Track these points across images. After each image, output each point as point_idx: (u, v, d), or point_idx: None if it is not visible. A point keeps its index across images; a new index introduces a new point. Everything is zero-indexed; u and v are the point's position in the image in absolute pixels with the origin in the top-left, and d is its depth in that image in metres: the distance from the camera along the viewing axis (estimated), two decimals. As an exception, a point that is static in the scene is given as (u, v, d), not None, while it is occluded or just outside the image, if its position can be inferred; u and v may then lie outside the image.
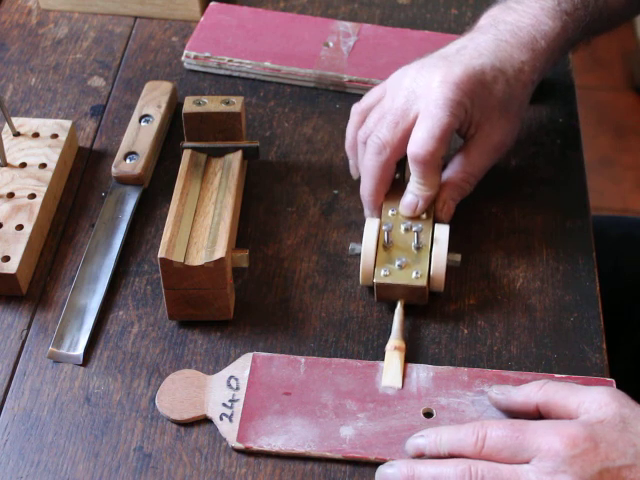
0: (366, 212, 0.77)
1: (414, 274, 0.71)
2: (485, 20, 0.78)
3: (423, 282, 0.71)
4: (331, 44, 0.92)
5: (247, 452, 0.65)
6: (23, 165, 0.80)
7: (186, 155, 0.78)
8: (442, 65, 0.74)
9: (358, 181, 0.82)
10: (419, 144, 0.72)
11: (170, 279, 0.69)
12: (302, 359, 0.70)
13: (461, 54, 0.74)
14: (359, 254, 0.73)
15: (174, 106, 0.88)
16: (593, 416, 0.59)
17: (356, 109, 0.79)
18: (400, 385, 0.68)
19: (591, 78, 2.12)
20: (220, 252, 0.69)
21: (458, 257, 0.73)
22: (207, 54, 0.91)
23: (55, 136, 0.82)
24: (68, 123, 0.83)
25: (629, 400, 0.61)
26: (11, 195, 0.78)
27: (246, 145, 0.79)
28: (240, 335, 0.72)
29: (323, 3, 0.99)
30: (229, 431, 0.66)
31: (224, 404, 0.67)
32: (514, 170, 0.83)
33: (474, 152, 0.76)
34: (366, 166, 0.75)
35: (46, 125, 0.83)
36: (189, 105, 0.78)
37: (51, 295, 0.75)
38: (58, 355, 0.71)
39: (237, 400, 0.67)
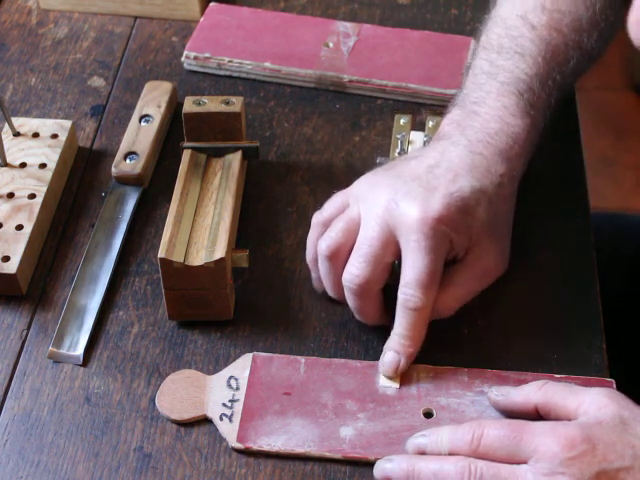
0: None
1: None
2: (450, 127, 0.72)
3: None
4: (331, 44, 0.92)
5: (247, 452, 0.65)
6: (23, 165, 0.80)
7: (186, 155, 0.78)
8: (418, 195, 0.67)
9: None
10: (409, 292, 0.66)
11: (170, 279, 0.69)
12: (302, 359, 0.70)
13: (435, 176, 0.68)
14: None
15: (174, 106, 0.88)
16: (592, 417, 0.59)
17: (317, 220, 0.72)
18: (398, 385, 0.68)
19: (591, 78, 2.11)
20: (220, 252, 0.69)
21: None
22: (207, 54, 0.91)
23: (55, 136, 0.82)
24: (68, 123, 0.83)
25: (629, 402, 0.61)
26: (11, 195, 0.78)
27: (246, 145, 0.79)
28: (240, 335, 0.72)
29: (323, 3, 0.99)
30: (229, 431, 0.66)
31: (224, 404, 0.67)
32: (514, 170, 0.83)
33: (462, 276, 0.70)
34: (354, 308, 0.70)
35: (46, 125, 0.83)
36: (189, 105, 0.78)
37: (51, 295, 0.75)
38: (58, 355, 0.71)
39: (237, 400, 0.67)
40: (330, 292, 0.72)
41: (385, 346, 0.68)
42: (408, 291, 0.66)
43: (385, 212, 0.67)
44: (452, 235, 0.67)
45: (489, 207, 0.68)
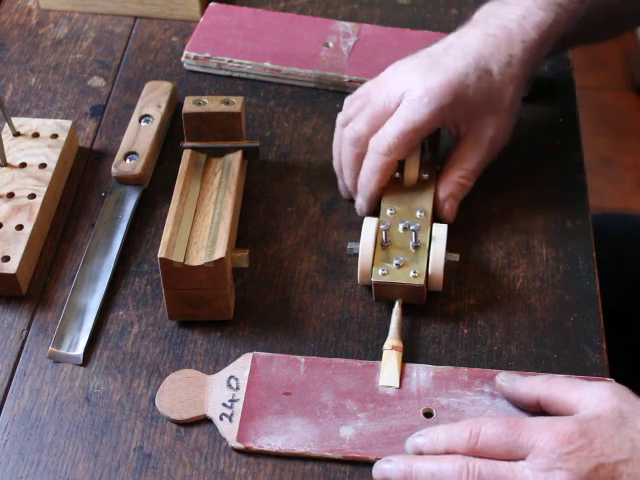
0: (357, 202, 0.78)
1: (412, 273, 0.71)
2: (478, 15, 0.79)
3: (421, 281, 0.71)
4: (331, 44, 0.92)
5: (247, 452, 0.65)
6: (23, 165, 0.80)
7: (186, 155, 0.78)
8: (425, 66, 0.75)
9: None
10: (381, 138, 0.74)
11: (170, 279, 0.69)
12: (302, 359, 0.70)
13: (447, 53, 0.76)
14: (357, 254, 0.73)
15: (174, 106, 0.88)
16: (591, 411, 0.60)
17: (339, 120, 0.79)
18: (398, 385, 0.68)
19: (591, 78, 2.12)
20: (220, 252, 0.69)
21: (456, 256, 0.73)
22: (207, 55, 0.91)
23: (55, 136, 0.82)
24: (68, 123, 0.83)
25: (630, 395, 0.61)
26: (11, 195, 0.78)
27: (246, 145, 0.79)
28: (240, 335, 0.72)
29: (323, 3, 0.99)
30: (229, 431, 0.66)
31: (224, 404, 0.67)
32: (514, 170, 0.83)
33: (468, 148, 0.77)
34: (344, 157, 0.77)
35: (46, 125, 0.83)
36: (189, 105, 0.78)
37: (51, 295, 0.75)
38: (58, 355, 0.71)
39: (237, 400, 0.67)
40: (351, 186, 0.78)
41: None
42: (382, 138, 0.74)
43: (394, 80, 0.76)
44: (446, 106, 0.73)
45: (491, 84, 0.75)
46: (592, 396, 0.60)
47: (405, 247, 0.73)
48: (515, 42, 0.75)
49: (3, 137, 0.80)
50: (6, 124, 0.82)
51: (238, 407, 0.67)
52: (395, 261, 0.72)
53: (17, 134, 0.82)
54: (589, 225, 0.79)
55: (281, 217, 0.80)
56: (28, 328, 0.73)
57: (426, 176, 0.78)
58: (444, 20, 0.97)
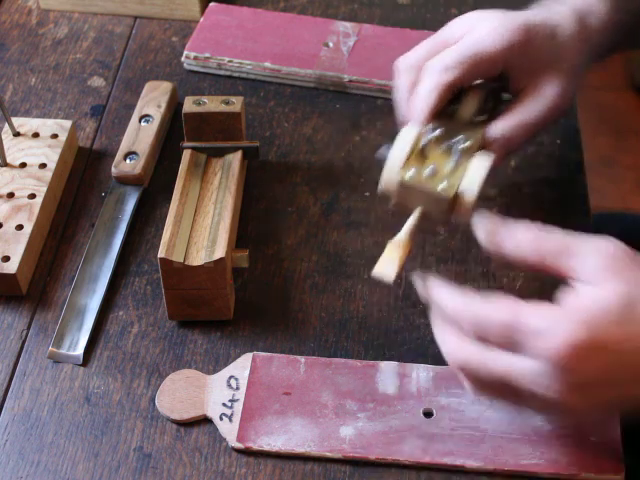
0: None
1: (442, 184, 0.65)
2: (535, 5, 0.78)
3: (450, 193, 0.65)
4: (331, 44, 0.92)
5: (247, 452, 0.65)
6: (23, 165, 0.80)
7: (186, 155, 0.78)
8: (498, 12, 0.74)
9: (358, 181, 0.82)
10: (439, 57, 0.72)
11: (170, 279, 0.69)
12: (302, 359, 0.70)
13: (518, 12, 0.75)
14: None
15: (174, 106, 0.88)
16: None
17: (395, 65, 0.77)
18: (391, 278, 0.65)
19: (591, 78, 2.11)
20: (220, 252, 0.69)
21: (494, 192, 0.69)
22: (207, 55, 0.91)
23: (55, 136, 0.82)
24: (68, 123, 0.83)
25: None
26: (11, 195, 0.78)
27: (246, 145, 0.79)
28: (240, 335, 0.72)
29: (323, 3, 0.99)
30: (229, 431, 0.66)
31: (224, 404, 0.67)
32: (514, 170, 0.83)
33: (526, 102, 0.73)
34: (398, 87, 0.75)
35: (46, 125, 0.83)
36: (189, 105, 0.78)
37: (51, 295, 0.75)
38: (58, 355, 0.71)
39: (237, 400, 0.67)
40: (404, 117, 0.73)
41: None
42: (440, 57, 0.72)
43: (464, 21, 0.75)
44: (515, 47, 0.72)
45: (558, 46, 0.74)
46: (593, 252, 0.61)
47: (442, 163, 0.67)
48: (576, 23, 0.75)
49: (3, 137, 0.80)
50: (6, 124, 0.82)
51: (238, 407, 0.67)
52: (427, 170, 0.66)
53: (17, 134, 0.82)
54: (589, 225, 0.79)
55: (281, 217, 0.80)
56: (28, 328, 0.73)
57: (481, 118, 0.73)
58: (444, 20, 0.96)
